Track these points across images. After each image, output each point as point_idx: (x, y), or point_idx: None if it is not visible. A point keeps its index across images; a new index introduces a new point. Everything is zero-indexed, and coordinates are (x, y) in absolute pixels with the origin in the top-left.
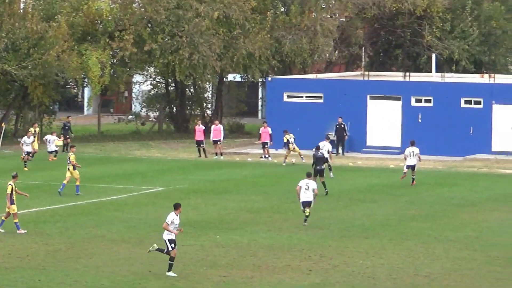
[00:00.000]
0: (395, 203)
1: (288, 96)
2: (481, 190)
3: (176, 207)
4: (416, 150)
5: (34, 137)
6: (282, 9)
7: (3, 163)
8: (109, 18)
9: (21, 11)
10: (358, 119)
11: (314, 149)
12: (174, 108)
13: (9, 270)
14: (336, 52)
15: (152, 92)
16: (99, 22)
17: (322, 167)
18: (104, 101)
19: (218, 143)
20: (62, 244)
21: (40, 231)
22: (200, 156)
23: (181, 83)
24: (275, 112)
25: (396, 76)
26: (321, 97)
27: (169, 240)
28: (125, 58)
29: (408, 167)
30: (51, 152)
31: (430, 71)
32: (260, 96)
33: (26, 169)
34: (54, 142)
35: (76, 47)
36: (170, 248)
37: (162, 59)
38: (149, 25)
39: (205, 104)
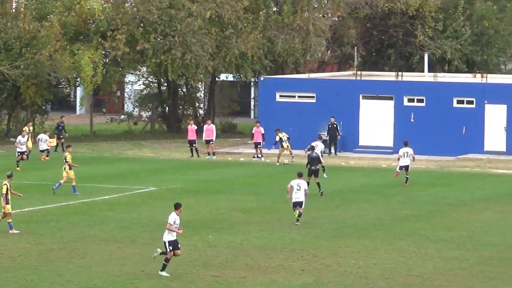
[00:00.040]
0: (387, 203)
1: (280, 96)
2: (474, 190)
3: (177, 207)
4: (410, 150)
5: (28, 136)
6: (275, 9)
7: None
8: (102, 18)
9: (13, 10)
10: (351, 119)
11: (306, 149)
12: (167, 107)
13: (2, 270)
14: (329, 51)
15: (145, 91)
16: (91, 21)
17: (317, 167)
18: (96, 101)
19: (211, 143)
20: (54, 244)
21: (33, 231)
22: (192, 156)
23: (174, 83)
24: (268, 112)
25: (389, 76)
26: (313, 97)
27: (168, 242)
28: (117, 57)
29: (401, 167)
30: (43, 151)
31: (423, 71)
32: (252, 96)
33: (18, 169)
34: (45, 141)
35: (68, 46)
36: (167, 250)
37: (154, 58)
38: (142, 24)
39: (197, 104)
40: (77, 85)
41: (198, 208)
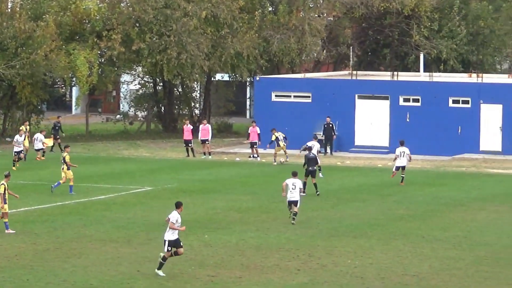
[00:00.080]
0: (383, 203)
1: (276, 96)
2: (469, 189)
3: (178, 205)
4: (406, 150)
5: (25, 135)
6: (270, 9)
7: None
8: (97, 18)
9: (9, 10)
10: (346, 119)
11: (301, 149)
12: (162, 107)
13: None
14: (324, 51)
15: (140, 91)
16: (87, 21)
17: (314, 168)
18: (92, 101)
19: (206, 142)
20: (50, 244)
21: (28, 231)
22: (188, 155)
23: (169, 83)
24: (263, 112)
25: (384, 76)
26: (309, 97)
27: (169, 241)
28: (113, 57)
29: (397, 168)
30: (38, 150)
31: (418, 71)
32: (248, 95)
33: (14, 168)
34: (40, 140)
35: (64, 46)
36: (166, 250)
37: (150, 58)
38: (137, 24)
39: (193, 104)
40: (72, 85)
41: (194, 208)
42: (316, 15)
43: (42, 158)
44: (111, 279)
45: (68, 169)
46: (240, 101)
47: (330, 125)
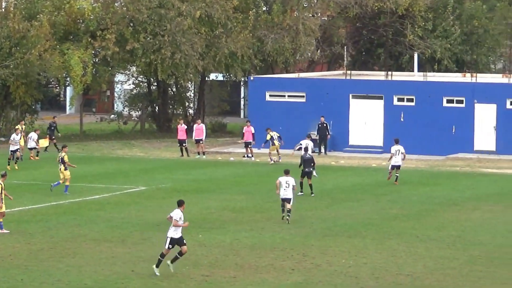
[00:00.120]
0: (377, 202)
1: (270, 95)
2: (463, 189)
3: (180, 203)
4: (401, 148)
5: (21, 134)
6: (264, 8)
7: None
8: (91, 17)
9: (3, 10)
10: (341, 118)
11: (294, 148)
12: (156, 107)
13: None
14: (318, 51)
15: (134, 91)
16: (81, 21)
17: (310, 169)
18: (86, 101)
19: (201, 142)
20: (44, 244)
21: (23, 231)
22: (182, 155)
23: (163, 82)
24: (257, 111)
25: (378, 75)
26: (303, 96)
27: (171, 239)
28: (107, 57)
29: (393, 167)
30: (31, 149)
31: (412, 70)
32: (242, 95)
33: (9, 167)
34: (33, 140)
35: (58, 46)
36: (166, 247)
37: (144, 58)
38: (131, 24)
39: (187, 103)
40: (67, 84)
41: (188, 208)
42: (310, 15)
43: (36, 158)
44: (105, 279)
45: (65, 169)
46: (234, 100)
47: (324, 125)
